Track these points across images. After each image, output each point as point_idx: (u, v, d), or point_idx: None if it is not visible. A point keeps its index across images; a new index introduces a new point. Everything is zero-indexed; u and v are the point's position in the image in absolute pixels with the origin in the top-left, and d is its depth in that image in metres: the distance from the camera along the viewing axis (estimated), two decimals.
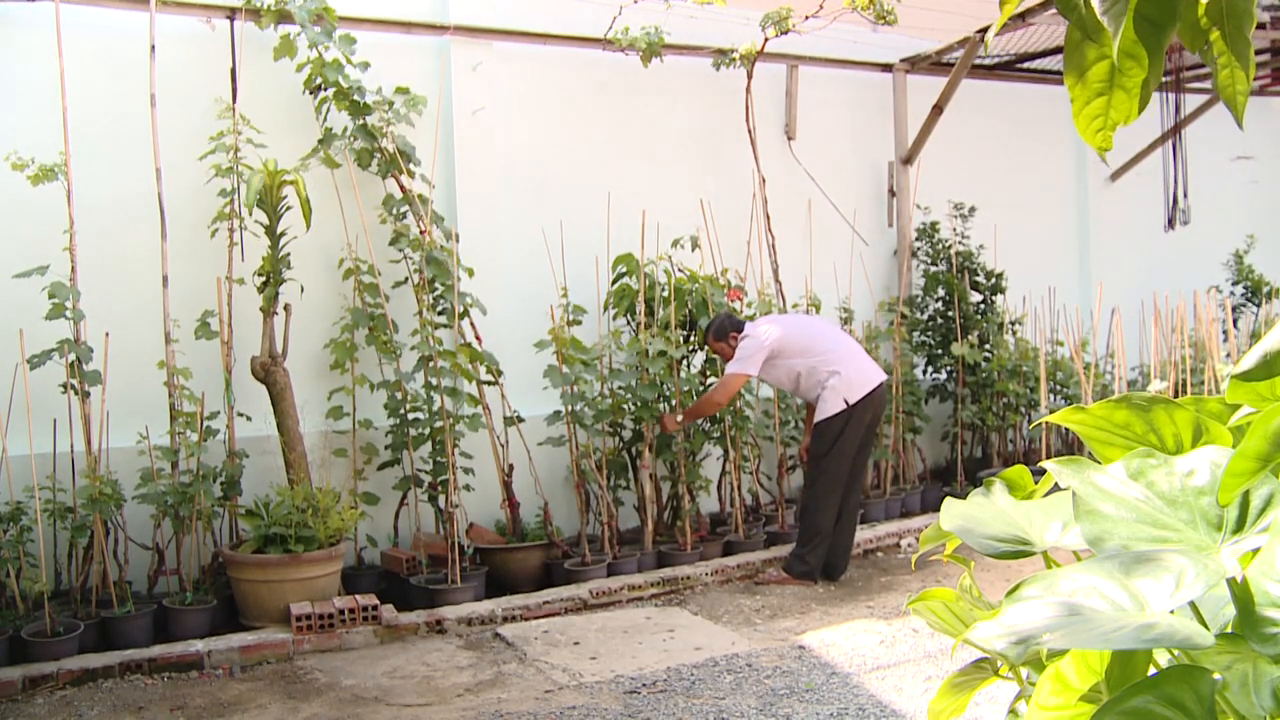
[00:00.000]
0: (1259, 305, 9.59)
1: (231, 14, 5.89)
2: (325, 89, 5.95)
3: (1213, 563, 1.05)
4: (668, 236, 6.65)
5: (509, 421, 6.23)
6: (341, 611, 5.11)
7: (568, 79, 6.98)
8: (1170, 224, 8.83)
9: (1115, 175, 9.54)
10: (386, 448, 6.03)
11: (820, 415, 5.98)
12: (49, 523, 5.15)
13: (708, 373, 6.62)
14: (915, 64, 8.16)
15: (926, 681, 4.47)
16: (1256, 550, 1.10)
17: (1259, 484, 1.12)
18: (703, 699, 4.35)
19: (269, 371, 5.66)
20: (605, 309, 6.65)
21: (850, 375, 5.95)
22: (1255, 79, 9.91)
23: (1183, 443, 1.30)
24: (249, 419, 5.76)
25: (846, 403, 5.90)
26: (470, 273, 6.16)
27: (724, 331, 6.08)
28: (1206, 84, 8.82)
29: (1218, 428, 1.29)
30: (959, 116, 8.18)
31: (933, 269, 8.18)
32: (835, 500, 6.01)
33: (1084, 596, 1.04)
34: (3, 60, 5.53)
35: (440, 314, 6.10)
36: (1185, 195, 8.72)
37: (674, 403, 6.34)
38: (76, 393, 5.17)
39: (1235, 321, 9.32)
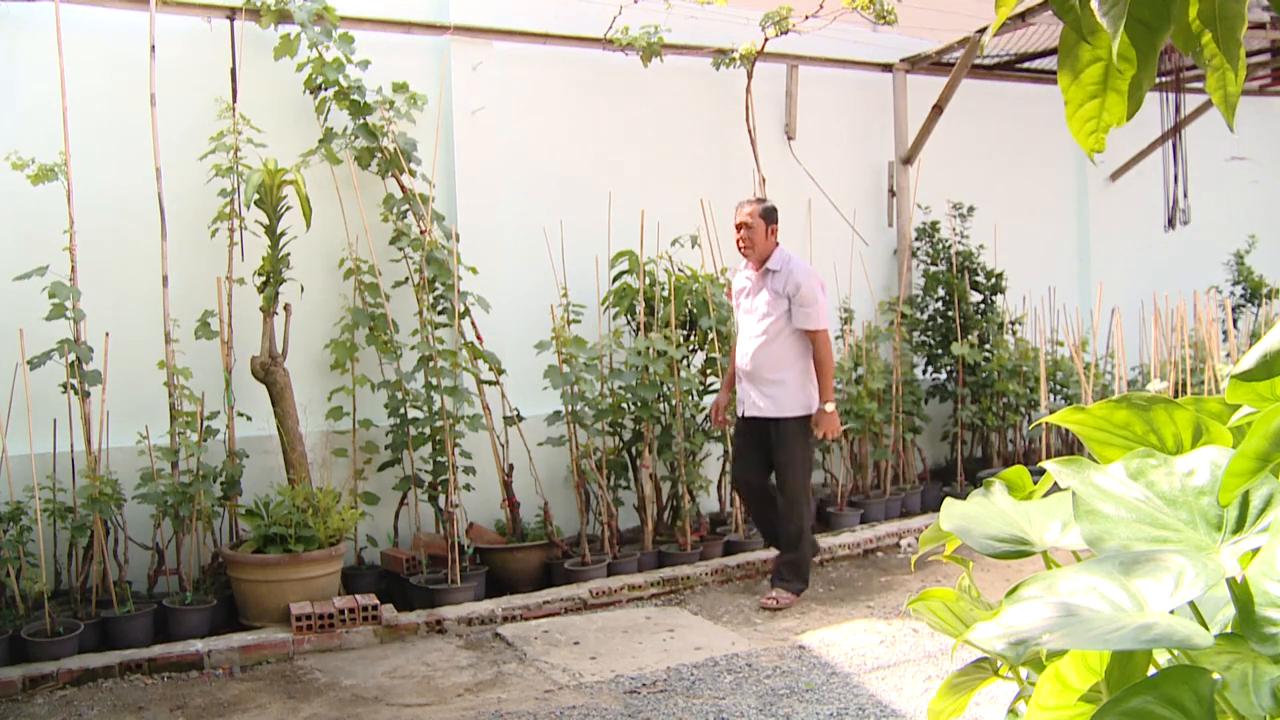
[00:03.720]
0: (1259, 305, 9.59)
1: (231, 14, 5.89)
2: (325, 88, 5.95)
3: (1213, 563, 1.05)
4: (668, 236, 6.65)
5: (509, 421, 6.23)
6: (341, 611, 5.11)
7: (568, 79, 6.98)
8: (1170, 224, 8.83)
9: (1115, 175, 9.55)
10: (386, 447, 6.03)
11: (787, 409, 5.63)
12: (49, 523, 5.15)
13: (708, 372, 6.62)
14: (915, 64, 8.16)
15: (926, 681, 4.47)
16: (1256, 550, 1.10)
17: (1259, 484, 1.12)
18: (703, 699, 4.35)
19: (269, 371, 5.67)
20: (605, 308, 6.65)
21: (812, 386, 5.71)
22: (1255, 79, 9.93)
23: (1183, 443, 1.30)
24: (249, 419, 5.76)
25: (809, 408, 5.67)
26: (474, 270, 6.16)
27: (773, 216, 5.71)
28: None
29: (1218, 428, 1.29)
30: (959, 116, 8.18)
31: (933, 269, 8.18)
32: (809, 506, 5.84)
33: (1083, 597, 1.04)
34: (3, 60, 5.53)
35: (441, 313, 6.11)
36: (1185, 195, 8.72)
37: (674, 402, 6.33)
38: (76, 393, 5.17)
39: (1235, 321, 9.32)
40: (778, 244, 5.74)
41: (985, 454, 8.18)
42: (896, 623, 5.28)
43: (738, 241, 5.75)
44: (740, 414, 5.81)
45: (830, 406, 5.67)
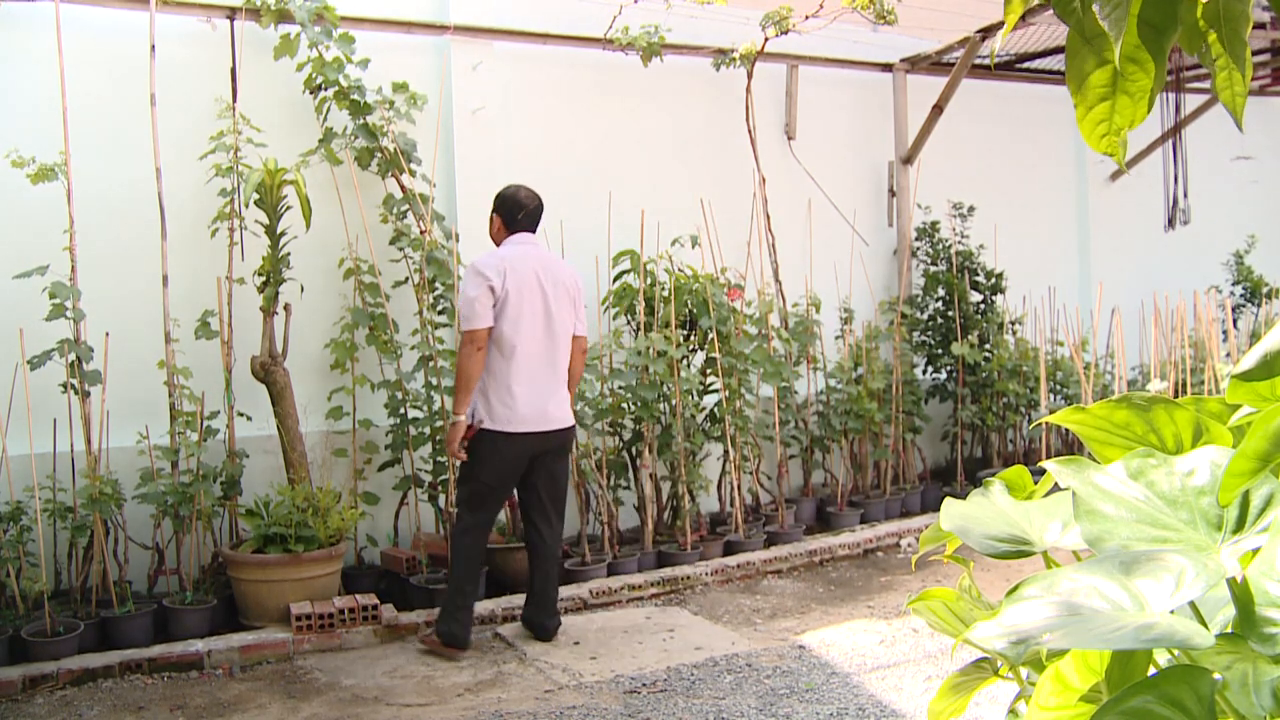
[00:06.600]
0: (1259, 305, 9.59)
1: (231, 14, 5.89)
2: (325, 88, 5.95)
3: (1213, 563, 1.05)
4: (668, 236, 6.65)
5: None
6: (341, 611, 5.11)
7: (568, 79, 6.98)
8: (1170, 224, 8.83)
9: (1115, 175, 9.54)
10: (386, 447, 6.03)
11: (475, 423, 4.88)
12: (49, 523, 5.15)
13: (708, 372, 6.62)
14: (915, 64, 8.16)
15: (926, 681, 4.47)
16: (1256, 550, 1.10)
17: (1259, 484, 1.12)
18: (703, 699, 4.35)
19: (269, 371, 5.67)
20: (605, 308, 6.65)
21: (520, 406, 4.81)
22: (1255, 79, 9.94)
23: (1183, 443, 1.30)
24: (249, 419, 5.76)
25: (488, 427, 4.81)
26: None
27: (495, 206, 5.14)
28: (1206, 84, 8.82)
29: (1218, 428, 1.29)
30: (959, 116, 8.18)
31: (933, 269, 8.18)
32: (480, 538, 4.97)
33: (1084, 596, 1.04)
34: (3, 60, 5.53)
35: (441, 313, 6.11)
36: (1185, 195, 8.72)
37: (674, 402, 6.33)
38: (76, 393, 5.17)
39: (1235, 321, 9.32)
40: (509, 235, 5.11)
41: (985, 454, 8.18)
42: (896, 623, 5.28)
43: None
44: None
45: (454, 418, 4.84)
